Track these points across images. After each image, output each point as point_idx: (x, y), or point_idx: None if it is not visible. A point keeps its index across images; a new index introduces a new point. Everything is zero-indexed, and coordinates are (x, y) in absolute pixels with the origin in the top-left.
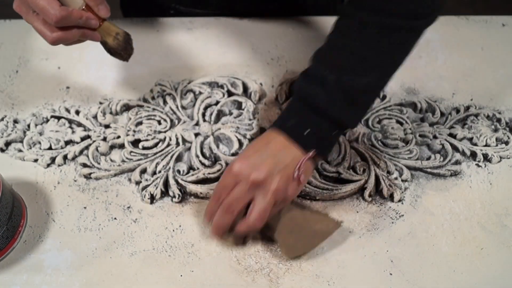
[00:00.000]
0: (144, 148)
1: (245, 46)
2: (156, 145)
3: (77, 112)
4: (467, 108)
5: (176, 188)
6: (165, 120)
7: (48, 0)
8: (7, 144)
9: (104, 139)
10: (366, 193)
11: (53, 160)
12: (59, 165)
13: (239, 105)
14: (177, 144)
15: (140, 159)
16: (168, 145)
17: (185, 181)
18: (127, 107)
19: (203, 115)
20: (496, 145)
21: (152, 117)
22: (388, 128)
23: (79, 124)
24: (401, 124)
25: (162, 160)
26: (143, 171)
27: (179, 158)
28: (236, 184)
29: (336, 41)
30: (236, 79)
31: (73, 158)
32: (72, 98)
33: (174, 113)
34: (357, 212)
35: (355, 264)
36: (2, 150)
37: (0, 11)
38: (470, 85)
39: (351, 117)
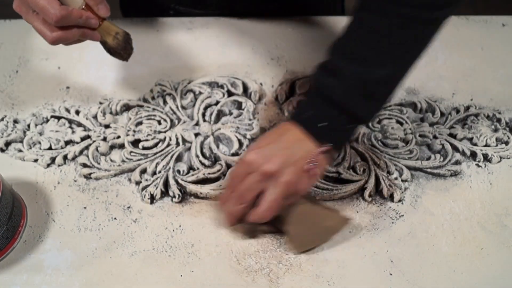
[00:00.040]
0: (144, 148)
1: (245, 46)
2: (156, 145)
3: (77, 112)
4: (467, 108)
5: (176, 188)
6: (165, 120)
7: (48, 0)
8: (7, 144)
9: (104, 139)
10: (366, 193)
11: (53, 160)
12: (59, 165)
13: (239, 105)
14: (177, 144)
15: (140, 159)
16: (168, 145)
17: (185, 181)
18: (127, 107)
19: (203, 115)
20: (496, 145)
21: (152, 117)
22: (388, 128)
23: (79, 124)
24: (401, 124)
25: (162, 160)
26: (143, 171)
27: (179, 158)
28: (248, 173)
29: (353, 32)
30: (236, 79)
31: (73, 158)
32: (72, 98)
33: (174, 113)
34: (357, 212)
35: (355, 264)
36: (2, 150)
37: (0, 11)
38: (470, 85)
39: (367, 110)
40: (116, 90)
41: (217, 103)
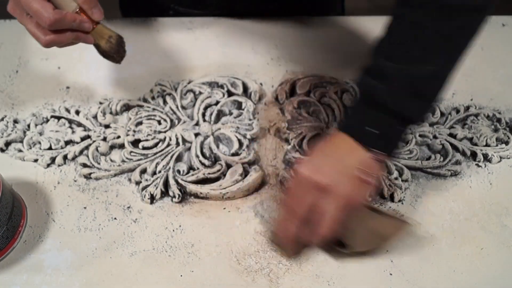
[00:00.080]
0: (144, 148)
1: (245, 46)
2: (156, 145)
3: (77, 112)
4: (467, 108)
5: (176, 188)
6: (165, 120)
7: (42, 3)
8: (7, 144)
9: (104, 139)
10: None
11: (53, 160)
12: (59, 165)
13: (239, 105)
14: (177, 144)
15: (140, 159)
16: (168, 145)
17: (185, 181)
18: (127, 107)
19: (203, 115)
20: (496, 145)
21: (152, 117)
22: None
23: (79, 124)
24: None
25: (162, 160)
26: (143, 171)
27: (179, 158)
28: (301, 187)
29: (395, 30)
30: (236, 79)
31: (73, 158)
32: (72, 98)
33: (174, 113)
34: None
35: (355, 264)
36: (2, 150)
37: (0, 11)
38: (470, 85)
39: (416, 110)
40: (116, 90)
41: (217, 103)
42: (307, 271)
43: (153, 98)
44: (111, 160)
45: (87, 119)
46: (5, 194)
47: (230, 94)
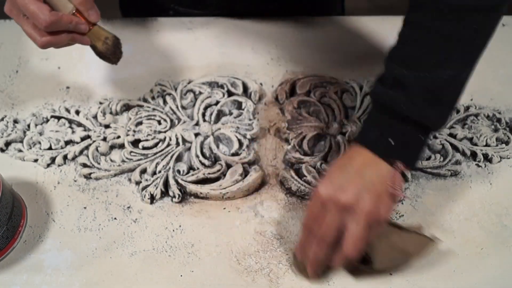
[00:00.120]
0: (144, 148)
1: (245, 46)
2: (156, 145)
3: (77, 112)
4: (467, 108)
5: (176, 188)
6: (165, 120)
7: (38, 4)
8: (7, 144)
9: (104, 139)
10: None
11: (53, 160)
12: (59, 165)
13: (239, 105)
14: (177, 144)
15: (140, 159)
16: (168, 145)
17: (185, 181)
18: (127, 107)
19: (203, 115)
20: (496, 145)
21: (152, 117)
22: None
23: (79, 124)
24: None
25: (162, 160)
26: (143, 171)
27: (179, 158)
28: (324, 210)
29: (409, 35)
30: (236, 79)
31: (73, 158)
32: (72, 98)
33: (174, 113)
34: None
35: None
36: (2, 150)
37: (0, 11)
38: (470, 85)
39: (435, 117)
40: (116, 90)
41: (217, 103)
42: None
43: (153, 98)
44: (111, 160)
45: (87, 119)
46: (5, 194)
47: (230, 94)
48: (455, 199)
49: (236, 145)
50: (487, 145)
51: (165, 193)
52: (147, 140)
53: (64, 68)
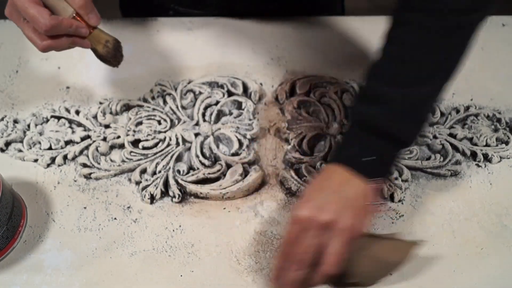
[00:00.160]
0: (144, 148)
1: (245, 46)
2: (156, 145)
3: (77, 112)
4: (467, 108)
5: (176, 188)
6: (165, 120)
7: (38, 8)
8: (7, 144)
9: (104, 139)
10: None
11: (53, 160)
12: (59, 165)
13: (239, 105)
14: (177, 144)
15: (140, 159)
16: (168, 145)
17: (185, 181)
18: (127, 107)
19: (203, 115)
20: (496, 145)
21: (152, 117)
22: None
23: (79, 124)
24: None
25: (162, 160)
26: (143, 171)
27: (179, 158)
28: (304, 232)
29: (391, 52)
30: (236, 79)
31: (73, 158)
32: (72, 98)
33: (174, 113)
34: None
35: None
36: (2, 150)
37: (0, 11)
38: (470, 85)
39: (411, 133)
40: (116, 90)
41: (217, 103)
42: None
43: (153, 98)
44: (111, 160)
45: (87, 119)
46: (5, 194)
47: (230, 94)
48: (455, 199)
49: (236, 145)
50: (487, 145)
51: (165, 193)
52: (147, 140)
53: (64, 68)
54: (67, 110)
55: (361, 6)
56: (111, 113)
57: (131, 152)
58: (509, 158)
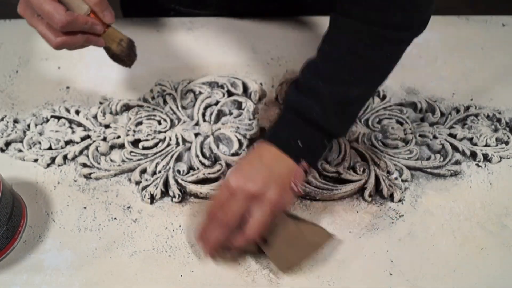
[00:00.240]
0: (144, 148)
1: (245, 46)
2: (156, 145)
3: (77, 112)
4: (467, 108)
5: (176, 188)
6: (165, 120)
7: (54, 5)
8: (7, 144)
9: (104, 139)
10: (366, 193)
11: (53, 160)
12: (59, 165)
13: (239, 105)
14: (177, 144)
15: (140, 159)
16: (168, 145)
17: (185, 181)
18: (127, 107)
19: (203, 115)
20: (496, 145)
21: (152, 117)
22: (388, 128)
23: (79, 124)
24: (401, 124)
25: (162, 160)
26: (143, 171)
27: (179, 158)
28: (231, 198)
29: (328, 53)
30: (236, 79)
31: (73, 158)
32: (72, 98)
33: (174, 113)
34: (357, 212)
35: (355, 264)
36: (2, 150)
37: (0, 11)
38: (470, 85)
39: (342, 127)
40: (116, 90)
41: (217, 103)
42: (307, 271)
43: (153, 98)
44: (111, 160)
45: (87, 119)
46: (5, 194)
47: (230, 94)
48: (455, 199)
49: (236, 145)
50: (487, 145)
51: (165, 193)
52: (147, 140)
53: (64, 68)
54: (67, 110)
55: None
56: (111, 113)
57: (131, 152)
58: (509, 158)
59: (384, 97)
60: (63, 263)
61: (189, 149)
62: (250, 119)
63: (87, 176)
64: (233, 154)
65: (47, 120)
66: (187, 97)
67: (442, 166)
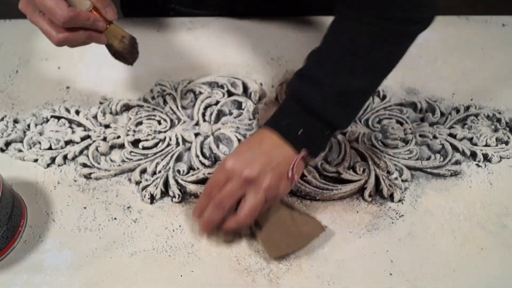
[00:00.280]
0: (144, 148)
1: (245, 46)
2: (156, 145)
3: (77, 112)
4: (467, 108)
5: (176, 188)
6: (165, 120)
7: (56, 0)
8: (7, 144)
9: (104, 139)
10: (366, 193)
11: (53, 160)
12: (59, 165)
13: (239, 105)
14: (177, 144)
15: (140, 159)
16: (168, 145)
17: (185, 181)
18: (127, 107)
19: (203, 115)
20: (496, 145)
21: (152, 117)
22: (388, 128)
23: (79, 124)
24: (401, 124)
25: (162, 160)
26: (143, 171)
27: (179, 158)
28: (228, 180)
29: (332, 43)
30: (236, 79)
31: (73, 158)
32: (72, 98)
33: (174, 113)
34: (357, 212)
35: (355, 264)
36: (2, 150)
37: (0, 11)
38: (470, 85)
39: (344, 119)
40: (116, 90)
41: (217, 103)
42: (307, 271)
43: (153, 98)
44: (111, 160)
45: (87, 119)
46: (5, 194)
47: (230, 94)
48: (455, 199)
49: (236, 145)
50: (487, 145)
51: (165, 193)
52: (147, 140)
53: (64, 68)
54: (67, 110)
55: None
56: (111, 113)
57: (131, 152)
58: (509, 158)
59: (384, 97)
60: (63, 263)
61: (189, 149)
62: (250, 119)
63: (87, 176)
64: None
65: (47, 120)
66: (187, 97)
67: (442, 166)
